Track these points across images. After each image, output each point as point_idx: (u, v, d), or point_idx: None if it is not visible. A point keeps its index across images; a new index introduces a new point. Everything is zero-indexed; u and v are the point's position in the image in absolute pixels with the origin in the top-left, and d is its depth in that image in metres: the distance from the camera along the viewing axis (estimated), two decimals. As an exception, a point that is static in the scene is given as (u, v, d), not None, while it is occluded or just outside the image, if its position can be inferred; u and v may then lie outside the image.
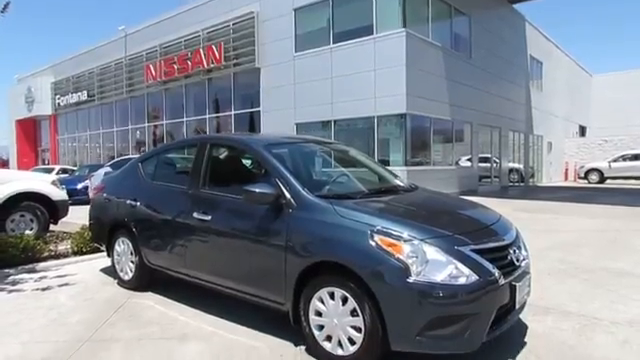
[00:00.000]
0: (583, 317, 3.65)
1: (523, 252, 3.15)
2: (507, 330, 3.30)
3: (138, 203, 4.28)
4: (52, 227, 7.42)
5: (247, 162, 4.32)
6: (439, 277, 2.53)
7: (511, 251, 2.91)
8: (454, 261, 2.58)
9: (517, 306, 2.81)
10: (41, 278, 4.96)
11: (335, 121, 14.31)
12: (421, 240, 2.63)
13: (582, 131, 30.98)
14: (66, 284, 4.73)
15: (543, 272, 4.99)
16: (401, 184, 4.02)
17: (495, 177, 18.77)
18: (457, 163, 16.14)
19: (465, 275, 2.56)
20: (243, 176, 3.79)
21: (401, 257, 2.57)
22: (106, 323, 3.62)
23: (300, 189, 3.15)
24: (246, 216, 3.34)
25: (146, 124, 22.53)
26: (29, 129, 32.39)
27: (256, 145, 3.62)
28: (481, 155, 17.49)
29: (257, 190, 3.13)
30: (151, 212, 4.17)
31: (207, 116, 19.05)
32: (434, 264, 2.56)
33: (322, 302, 2.86)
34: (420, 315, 2.51)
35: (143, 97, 22.32)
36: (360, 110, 13.54)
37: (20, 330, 3.50)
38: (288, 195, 3.14)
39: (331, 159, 4.42)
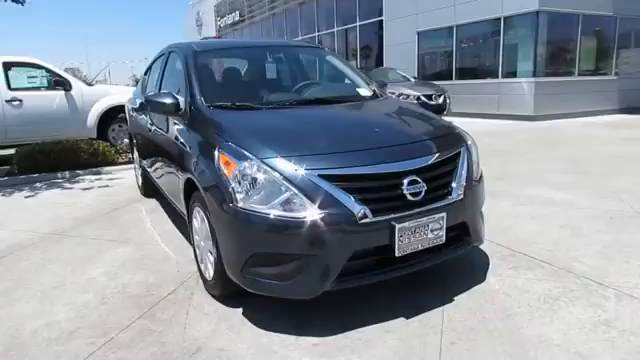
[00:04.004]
0: (584, 280, 2.64)
1: (453, 184, 2.34)
2: (437, 281, 2.66)
3: (134, 114, 4.48)
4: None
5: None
6: (268, 205, 2.06)
7: (405, 181, 2.16)
8: (291, 188, 2.05)
9: (398, 253, 2.14)
10: (96, 180, 5.76)
11: (457, 27, 12.41)
12: (258, 159, 2.14)
13: None
14: (105, 186, 5.40)
15: (601, 216, 3.74)
16: (363, 94, 3.30)
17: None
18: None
19: (303, 206, 2.03)
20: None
21: (230, 178, 2.15)
22: (90, 222, 4.05)
23: (197, 99, 2.84)
24: (167, 127, 3.20)
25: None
26: (203, 52, 36.53)
27: (185, 51, 3.32)
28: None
29: (156, 99, 2.92)
30: (139, 123, 4.33)
31: (335, 29, 18.56)
32: (266, 189, 2.08)
33: (197, 221, 2.65)
34: (241, 248, 2.12)
35: (283, 14, 22.75)
36: (484, 11, 11.40)
37: (28, 220, 4.16)
38: (183, 105, 2.87)
39: (290, 66, 3.78)
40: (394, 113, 2.98)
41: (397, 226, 2.10)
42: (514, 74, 11.03)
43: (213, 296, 2.56)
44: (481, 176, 2.65)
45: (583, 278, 2.66)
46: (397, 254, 2.13)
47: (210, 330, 2.26)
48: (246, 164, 2.13)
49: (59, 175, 5.88)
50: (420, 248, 2.21)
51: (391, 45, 15.01)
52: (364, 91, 3.35)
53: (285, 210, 2.04)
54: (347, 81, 3.54)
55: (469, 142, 2.65)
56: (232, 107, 2.81)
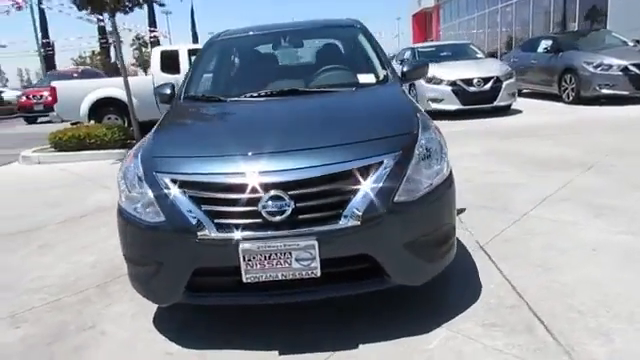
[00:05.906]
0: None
1: (349, 205, 1.80)
2: (380, 315, 2.21)
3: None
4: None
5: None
6: (131, 204, 2.04)
7: (265, 197, 1.78)
8: (148, 190, 1.97)
9: (246, 279, 1.81)
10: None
11: None
12: (138, 158, 2.12)
13: None
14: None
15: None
16: (363, 81, 2.77)
17: None
18: None
19: (153, 210, 1.94)
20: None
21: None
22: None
23: (181, 89, 2.95)
24: None
25: (499, 5, 20.67)
26: (421, 21, 36.01)
27: (209, 39, 3.41)
28: None
29: (158, 90, 3.12)
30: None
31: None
32: (135, 188, 2.06)
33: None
34: (122, 244, 2.17)
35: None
36: None
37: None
38: (175, 96, 3.01)
39: (302, 52, 3.33)
40: (348, 107, 2.44)
41: (241, 247, 1.78)
42: None
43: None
44: (426, 196, 1.95)
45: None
46: (245, 279, 1.82)
47: (119, 314, 2.40)
48: (129, 162, 2.16)
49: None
50: (281, 278, 1.83)
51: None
52: (366, 78, 2.82)
53: (140, 213, 1.99)
54: (355, 66, 3.02)
55: (423, 149, 1.99)
56: (201, 99, 2.82)
